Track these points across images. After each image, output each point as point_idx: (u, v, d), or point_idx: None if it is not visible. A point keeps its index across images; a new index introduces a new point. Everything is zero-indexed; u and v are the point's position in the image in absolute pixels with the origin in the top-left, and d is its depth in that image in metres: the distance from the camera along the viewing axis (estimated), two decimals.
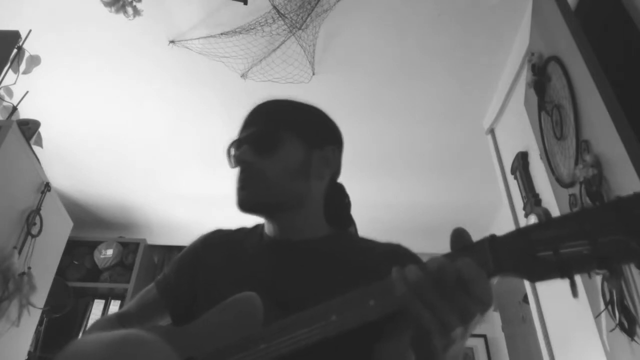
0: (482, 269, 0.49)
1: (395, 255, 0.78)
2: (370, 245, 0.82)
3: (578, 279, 0.56)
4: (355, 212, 0.93)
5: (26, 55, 1.84)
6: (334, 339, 0.55)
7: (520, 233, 0.49)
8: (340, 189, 0.92)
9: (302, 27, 2.00)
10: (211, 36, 2.06)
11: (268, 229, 0.85)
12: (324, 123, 0.90)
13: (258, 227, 0.89)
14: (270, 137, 0.82)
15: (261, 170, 0.79)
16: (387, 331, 0.65)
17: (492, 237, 0.50)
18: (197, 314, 0.71)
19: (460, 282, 0.49)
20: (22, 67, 1.83)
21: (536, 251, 0.46)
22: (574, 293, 0.45)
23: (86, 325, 3.14)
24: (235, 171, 0.83)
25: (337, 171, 0.89)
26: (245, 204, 0.80)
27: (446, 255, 0.52)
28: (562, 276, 0.45)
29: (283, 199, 0.80)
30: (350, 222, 0.91)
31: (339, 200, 0.91)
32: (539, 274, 0.47)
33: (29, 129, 1.80)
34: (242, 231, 0.90)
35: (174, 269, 0.88)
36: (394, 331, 0.65)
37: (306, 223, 0.82)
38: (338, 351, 0.60)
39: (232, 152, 0.85)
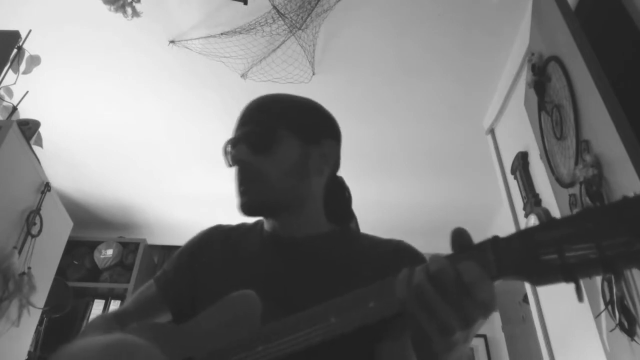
0: (485, 272, 0.48)
1: (397, 254, 0.77)
2: (372, 243, 0.81)
3: None
4: (355, 211, 0.92)
5: (26, 55, 1.84)
6: (334, 339, 0.55)
7: (523, 235, 0.47)
8: (340, 182, 0.90)
9: (302, 27, 2.00)
10: (211, 36, 2.06)
11: (268, 226, 0.84)
12: (321, 117, 0.88)
13: (258, 224, 0.88)
14: (267, 136, 0.80)
15: (260, 171, 0.78)
16: (389, 332, 0.65)
17: (495, 239, 0.49)
18: (197, 311, 0.71)
19: (462, 286, 0.47)
20: (22, 67, 1.83)
21: (540, 254, 0.45)
22: (580, 297, 0.44)
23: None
24: (234, 170, 0.82)
25: (336, 165, 0.88)
26: (248, 208, 0.79)
27: (448, 257, 0.51)
28: (566, 280, 0.44)
29: (285, 199, 0.79)
30: (351, 216, 0.90)
31: (339, 194, 0.89)
32: (542, 277, 0.45)
33: (29, 129, 1.79)
34: (242, 228, 0.89)
35: (174, 266, 0.87)
36: (395, 332, 0.64)
37: (307, 221, 0.82)
38: (339, 351, 0.60)
39: (229, 150, 0.84)
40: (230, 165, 0.83)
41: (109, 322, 0.82)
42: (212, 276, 0.81)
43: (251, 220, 0.89)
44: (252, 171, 0.79)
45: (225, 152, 0.85)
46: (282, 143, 0.80)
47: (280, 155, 0.80)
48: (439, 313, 0.48)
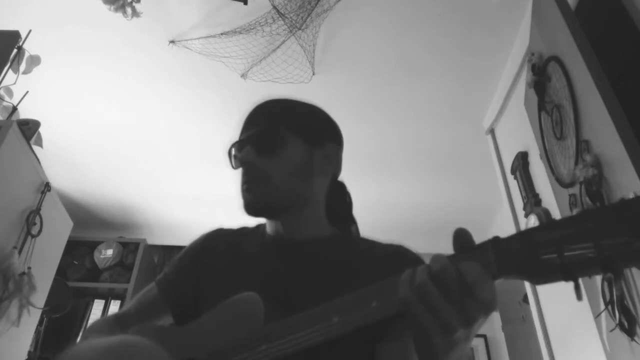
0: (486, 272, 0.48)
1: (397, 256, 0.77)
2: (372, 246, 0.82)
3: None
4: (355, 212, 0.93)
5: (26, 55, 1.84)
6: (335, 339, 0.55)
7: (523, 235, 0.48)
8: (341, 187, 0.92)
9: (302, 27, 2.00)
10: (211, 36, 2.06)
11: (270, 228, 0.85)
12: (324, 121, 0.90)
13: (260, 227, 0.89)
14: (272, 138, 0.81)
15: (265, 172, 0.79)
16: (390, 332, 0.65)
17: (495, 240, 0.50)
18: (199, 313, 0.71)
19: (464, 285, 0.48)
20: (22, 67, 1.83)
21: (540, 254, 0.45)
22: (579, 296, 0.45)
23: (86, 326, 3.14)
24: (238, 172, 0.83)
25: (338, 168, 0.89)
26: (252, 208, 0.79)
27: (449, 257, 0.51)
28: (566, 279, 0.44)
29: (288, 200, 0.80)
30: (352, 221, 0.91)
31: (340, 198, 0.91)
32: (542, 277, 0.46)
33: (29, 129, 1.79)
34: (243, 231, 0.90)
35: (175, 268, 0.88)
36: (396, 332, 0.65)
37: (309, 223, 0.82)
38: (340, 351, 0.60)
39: (234, 153, 0.85)
40: (235, 168, 0.84)
41: (110, 324, 0.82)
42: (215, 277, 0.81)
43: (252, 223, 0.90)
44: (257, 172, 0.79)
45: (230, 155, 0.85)
46: (287, 145, 0.81)
47: (285, 156, 0.81)
48: (441, 312, 0.49)
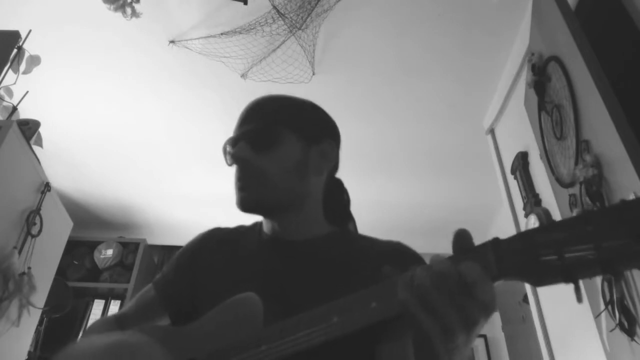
0: (486, 273, 0.48)
1: (396, 254, 0.77)
2: (370, 244, 0.81)
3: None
4: (355, 212, 0.92)
5: (26, 55, 1.84)
6: (335, 339, 0.55)
7: (524, 236, 0.47)
8: (339, 184, 0.91)
9: (302, 27, 2.00)
10: (211, 36, 2.06)
11: (267, 227, 0.85)
12: (321, 118, 0.89)
13: (256, 226, 0.88)
14: (267, 134, 0.81)
15: (260, 169, 0.78)
16: (389, 333, 0.65)
17: (496, 241, 0.49)
18: (196, 314, 0.71)
19: (464, 286, 0.47)
20: (22, 67, 1.83)
21: (540, 255, 0.45)
22: (579, 298, 0.44)
23: (86, 326, 3.14)
24: (234, 169, 0.82)
25: (335, 166, 0.88)
26: (246, 204, 0.79)
27: (449, 258, 0.51)
28: (566, 281, 0.44)
29: (283, 198, 0.80)
30: (350, 218, 0.91)
31: (338, 196, 0.90)
32: (542, 278, 0.46)
33: (29, 129, 1.79)
34: (240, 230, 0.90)
35: (172, 269, 0.87)
36: (396, 333, 0.64)
37: (306, 221, 0.82)
38: (340, 352, 0.60)
39: (228, 149, 0.84)
40: (230, 164, 0.83)
41: (110, 324, 0.82)
42: (212, 276, 0.81)
43: (249, 222, 0.89)
44: (252, 169, 0.79)
45: (225, 151, 0.85)
46: (283, 141, 0.80)
47: (281, 153, 0.80)
48: (440, 314, 0.48)
